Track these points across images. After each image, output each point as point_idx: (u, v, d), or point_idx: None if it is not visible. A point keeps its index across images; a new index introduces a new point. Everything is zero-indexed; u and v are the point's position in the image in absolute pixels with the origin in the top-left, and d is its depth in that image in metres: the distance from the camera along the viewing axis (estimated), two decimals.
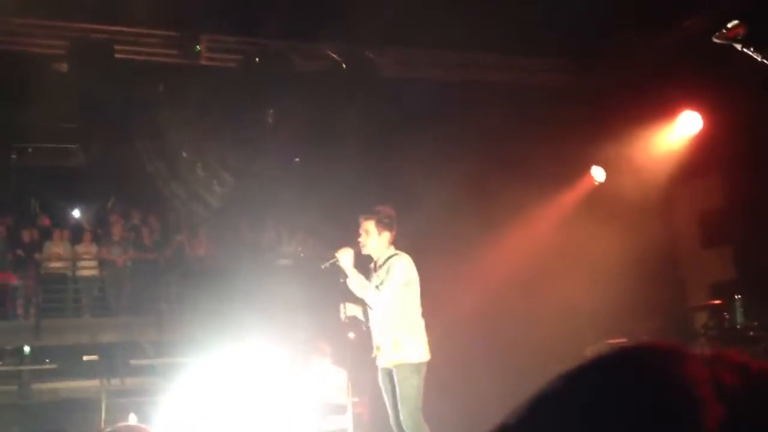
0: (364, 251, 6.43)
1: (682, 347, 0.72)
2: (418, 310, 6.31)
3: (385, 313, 6.22)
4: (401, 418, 6.12)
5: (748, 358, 0.72)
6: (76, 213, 16.86)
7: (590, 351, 9.23)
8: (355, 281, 6.23)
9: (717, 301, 8.51)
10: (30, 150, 16.20)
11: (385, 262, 6.30)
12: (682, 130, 10.21)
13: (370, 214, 6.40)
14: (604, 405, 0.66)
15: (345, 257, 6.23)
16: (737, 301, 7.94)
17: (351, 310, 6.44)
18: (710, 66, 8.23)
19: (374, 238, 6.34)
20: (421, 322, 6.30)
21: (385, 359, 6.26)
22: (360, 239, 6.42)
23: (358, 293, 6.28)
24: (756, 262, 9.22)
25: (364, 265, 6.54)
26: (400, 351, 6.16)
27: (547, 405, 0.70)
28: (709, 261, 10.86)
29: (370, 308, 6.33)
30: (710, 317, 8.63)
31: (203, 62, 11.45)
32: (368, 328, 6.43)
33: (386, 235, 6.35)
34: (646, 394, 0.66)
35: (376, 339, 6.31)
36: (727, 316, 7.98)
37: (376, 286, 6.20)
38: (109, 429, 2.31)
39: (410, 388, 6.10)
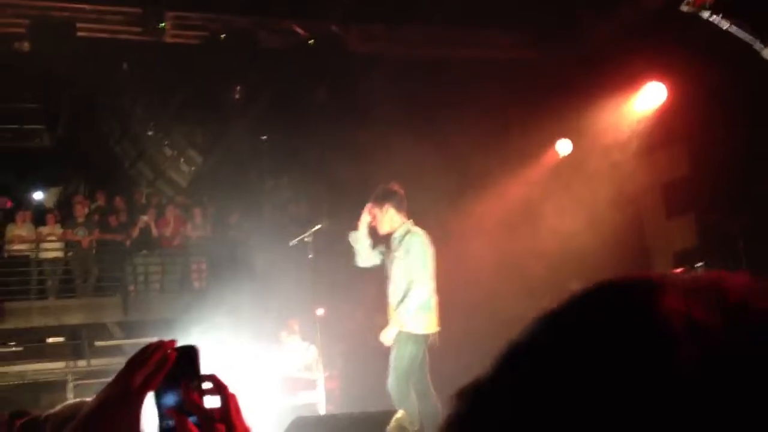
0: (381, 232, 6.44)
1: (662, 276, 0.67)
2: (431, 284, 6.29)
3: (397, 286, 6.26)
4: (390, 383, 6.13)
5: (733, 281, 0.66)
6: (39, 194, 16.61)
7: None
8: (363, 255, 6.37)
9: (681, 270, 8.65)
10: None
11: (398, 236, 6.30)
12: (646, 101, 10.32)
13: (374, 196, 6.43)
14: (569, 352, 0.63)
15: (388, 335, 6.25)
16: (700, 269, 8.10)
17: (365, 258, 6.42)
18: (674, 36, 8.30)
19: (379, 217, 6.37)
20: (432, 294, 6.30)
21: (390, 332, 6.27)
22: (373, 224, 6.43)
23: (368, 264, 6.39)
24: (718, 231, 9.38)
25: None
26: (405, 318, 6.17)
27: (513, 359, 0.67)
28: (673, 230, 11.05)
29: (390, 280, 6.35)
30: None
31: (168, 40, 11.29)
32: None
33: (390, 209, 6.33)
34: (614, 335, 0.62)
35: (391, 308, 6.32)
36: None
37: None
38: (58, 407, 2.29)
39: (403, 355, 6.11)
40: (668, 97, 10.02)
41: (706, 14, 4.67)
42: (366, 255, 6.46)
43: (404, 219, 6.37)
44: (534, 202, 10.69)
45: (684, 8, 4.72)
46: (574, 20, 11.02)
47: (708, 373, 0.58)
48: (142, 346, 1.27)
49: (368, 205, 6.39)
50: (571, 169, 10.89)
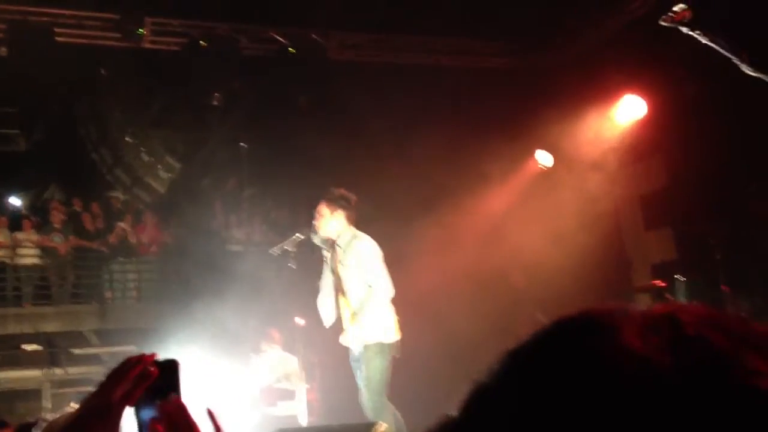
0: (321, 233, 6.37)
1: (621, 313, 0.68)
2: (386, 290, 6.24)
3: (353, 293, 6.18)
4: (364, 398, 6.07)
5: (690, 318, 0.66)
6: (15, 200, 16.42)
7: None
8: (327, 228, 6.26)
9: (660, 282, 8.71)
10: None
11: (343, 243, 6.25)
12: (624, 113, 10.41)
13: (323, 197, 6.37)
14: (528, 395, 0.64)
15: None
16: (679, 282, 8.15)
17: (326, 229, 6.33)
18: (653, 49, 8.37)
19: (327, 218, 6.29)
20: (388, 302, 6.25)
21: (353, 339, 6.20)
22: (314, 222, 6.38)
23: (329, 235, 6.29)
24: (696, 242, 9.45)
25: (318, 248, 6.51)
26: (366, 331, 6.09)
27: (477, 405, 0.69)
28: (651, 242, 11.13)
29: (339, 285, 6.28)
30: (653, 298, 8.81)
31: (147, 45, 11.24)
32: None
33: (340, 214, 6.28)
34: (570, 378, 0.63)
35: (346, 319, 6.25)
36: (669, 297, 8.18)
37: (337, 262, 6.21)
38: (50, 415, 2.28)
39: (374, 369, 6.03)
40: (647, 109, 10.11)
41: (684, 29, 4.71)
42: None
43: (350, 226, 6.36)
44: (512, 213, 10.72)
45: (663, 22, 4.77)
46: (554, 31, 11.10)
47: (656, 415, 0.59)
48: (119, 354, 1.28)
49: (321, 205, 6.34)
50: (549, 180, 10.94)
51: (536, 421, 0.62)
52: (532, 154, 11.29)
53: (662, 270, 9.83)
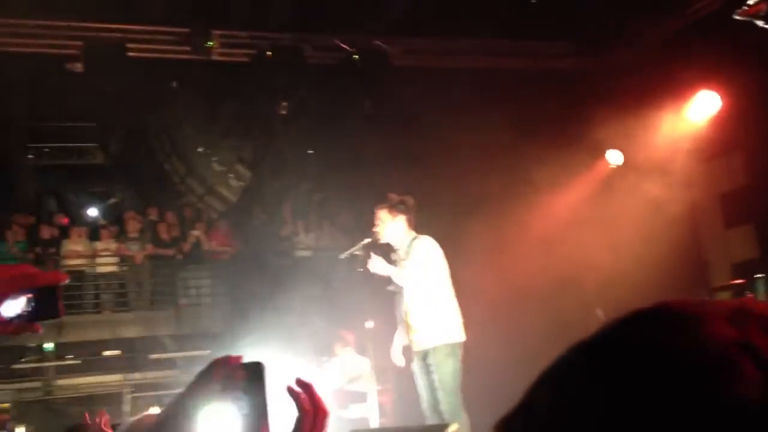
0: (382, 239, 6.43)
1: (698, 304, 0.65)
2: (450, 290, 6.26)
3: (417, 295, 6.20)
4: (439, 401, 6.08)
5: None
6: (93, 211, 16.97)
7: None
8: (377, 264, 6.20)
9: (740, 281, 8.46)
10: (47, 149, 16.30)
11: (404, 246, 6.30)
12: (700, 109, 10.15)
13: (381, 202, 6.42)
14: (611, 386, 0.60)
15: (374, 263, 6.20)
16: (760, 280, 7.91)
17: (376, 265, 6.22)
18: (727, 43, 8.16)
19: (388, 225, 6.34)
20: (454, 303, 6.26)
21: (419, 341, 6.23)
22: (375, 229, 6.43)
23: (380, 272, 6.26)
24: None
25: (387, 253, 6.57)
26: (435, 333, 6.10)
27: (549, 393, 0.65)
28: (731, 241, 10.78)
29: (399, 289, 6.31)
30: (733, 297, 8.59)
31: (215, 57, 11.50)
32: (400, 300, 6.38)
33: (401, 219, 6.32)
34: (666, 368, 0.59)
35: (410, 320, 6.27)
36: (750, 296, 7.96)
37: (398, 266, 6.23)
38: (134, 418, 2.35)
39: (447, 372, 6.04)
40: (723, 105, 9.84)
41: (760, 22, 4.62)
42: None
43: (410, 230, 6.36)
44: (585, 214, 10.56)
45: (738, 16, 4.68)
46: (623, 28, 10.92)
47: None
48: (194, 358, 1.31)
49: (381, 210, 6.36)
50: (623, 179, 10.74)
51: (626, 417, 0.58)
52: (601, 155, 11.12)
53: (743, 269, 9.52)
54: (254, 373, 1.28)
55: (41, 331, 1.34)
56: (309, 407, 1.28)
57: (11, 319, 1.32)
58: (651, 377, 0.59)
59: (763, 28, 4.64)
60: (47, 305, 1.35)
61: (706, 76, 9.71)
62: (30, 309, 1.33)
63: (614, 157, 11.06)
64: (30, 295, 1.34)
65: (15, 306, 1.33)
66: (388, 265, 6.23)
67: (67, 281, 1.35)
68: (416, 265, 6.16)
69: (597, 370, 0.63)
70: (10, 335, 1.33)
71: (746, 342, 0.59)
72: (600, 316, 9.29)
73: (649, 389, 0.58)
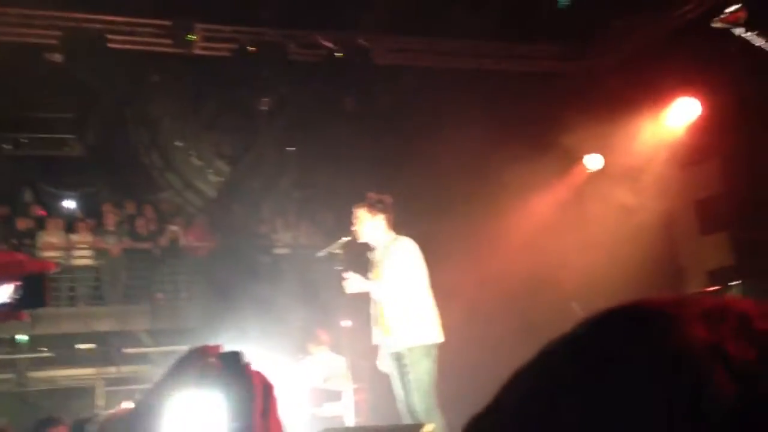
0: (360, 239, 6.41)
1: (678, 303, 0.62)
2: (427, 291, 6.26)
3: (394, 296, 6.19)
4: (414, 401, 6.08)
5: (755, 310, 0.61)
6: (71, 203, 16.82)
7: None
8: (353, 283, 6.19)
9: (714, 288, 8.53)
10: (24, 140, 16.14)
11: (384, 247, 6.29)
12: (679, 115, 10.22)
13: (360, 201, 6.40)
14: (584, 386, 0.59)
15: (351, 284, 6.19)
16: (735, 288, 7.96)
17: (353, 285, 6.25)
18: (707, 51, 8.23)
19: (367, 224, 6.32)
20: (431, 304, 6.26)
21: (395, 341, 6.22)
22: (353, 228, 6.41)
23: (357, 290, 6.25)
24: (753, 249, 9.24)
25: (365, 251, 6.55)
26: (411, 333, 6.10)
27: (521, 391, 0.64)
28: (707, 248, 10.87)
29: (372, 294, 6.30)
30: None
31: (197, 51, 11.42)
32: (376, 308, 6.36)
33: (380, 218, 6.30)
34: (637, 370, 0.57)
35: (386, 321, 6.26)
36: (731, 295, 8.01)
37: (377, 278, 6.21)
38: (109, 411, 2.31)
39: (422, 372, 6.04)
40: (702, 111, 9.91)
41: (738, 30, 4.65)
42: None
43: (390, 229, 6.36)
44: (562, 217, 10.63)
45: (716, 24, 4.71)
46: (605, 33, 10.99)
47: (749, 409, 0.54)
48: (170, 353, 1.27)
49: (360, 209, 6.35)
50: (600, 183, 10.80)
51: (590, 423, 0.57)
52: (579, 159, 11.18)
53: (718, 276, 9.61)
54: (232, 362, 1.25)
55: (26, 318, 1.29)
56: (259, 383, 1.25)
57: None
58: (618, 383, 0.57)
59: (739, 36, 4.66)
60: (34, 294, 1.31)
61: (685, 82, 9.79)
62: (17, 297, 1.30)
63: (592, 162, 11.12)
64: (18, 283, 1.30)
65: (1, 294, 1.29)
66: (365, 281, 6.21)
67: (54, 270, 1.30)
68: (394, 268, 6.15)
69: (564, 372, 0.61)
70: None
71: (718, 346, 0.57)
72: (576, 309, 9.33)
73: (615, 395, 0.57)
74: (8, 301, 1.26)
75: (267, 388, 1.22)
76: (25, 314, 1.57)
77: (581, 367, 0.60)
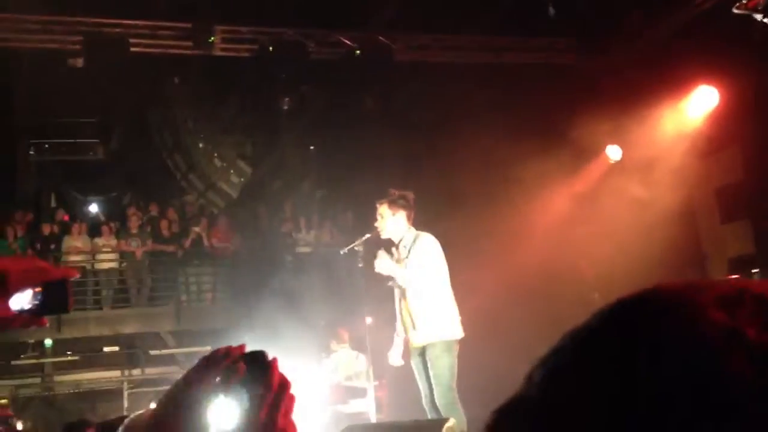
0: (383, 235, 6.41)
1: (694, 287, 0.62)
2: (448, 287, 6.26)
3: (417, 292, 6.20)
4: (435, 396, 6.09)
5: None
6: (94, 207, 16.99)
7: None
8: (383, 263, 6.18)
9: (736, 276, 8.47)
10: (47, 146, 16.32)
11: (407, 243, 6.29)
12: (698, 105, 10.15)
13: (382, 197, 6.40)
14: (607, 371, 0.59)
15: (381, 263, 6.18)
16: (756, 276, 7.91)
17: (382, 264, 6.18)
18: (725, 39, 8.15)
19: (389, 220, 6.32)
20: (452, 300, 6.27)
21: (417, 337, 6.23)
22: (376, 224, 6.42)
23: (386, 272, 6.24)
24: None
25: (387, 249, 6.54)
26: (432, 329, 6.12)
27: (547, 378, 0.64)
28: (728, 236, 10.81)
29: (400, 287, 6.30)
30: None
31: (218, 53, 11.47)
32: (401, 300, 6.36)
33: (401, 215, 6.31)
34: (657, 355, 0.57)
35: (408, 317, 6.27)
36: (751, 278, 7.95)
37: (399, 263, 6.21)
38: (136, 413, 2.28)
39: (443, 367, 6.04)
40: (721, 100, 9.83)
41: (759, 16, 4.59)
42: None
43: (411, 226, 6.36)
44: (584, 209, 10.57)
45: (736, 10, 4.65)
46: (622, 24, 10.91)
47: (765, 393, 0.54)
48: (195, 354, 1.26)
49: (382, 206, 6.35)
50: (621, 174, 10.74)
51: (613, 410, 0.57)
52: (601, 150, 11.12)
53: (739, 264, 9.56)
54: (257, 364, 1.24)
55: (47, 324, 1.31)
56: (277, 381, 1.23)
57: (19, 312, 1.28)
58: (638, 370, 0.57)
59: (761, 23, 4.60)
60: (56, 299, 1.32)
61: (705, 71, 9.71)
62: (37, 302, 1.30)
63: (614, 153, 11.06)
64: (38, 289, 1.30)
65: (22, 299, 1.29)
66: (395, 264, 6.21)
67: (77, 276, 1.32)
68: (418, 264, 6.15)
69: (586, 361, 0.62)
70: (17, 328, 1.29)
71: (736, 330, 0.57)
72: (597, 300, 9.27)
73: (635, 383, 0.57)
74: (30, 306, 1.28)
75: (283, 387, 1.22)
76: (47, 320, 1.59)
77: (601, 355, 0.61)
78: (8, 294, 1.25)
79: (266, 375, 1.20)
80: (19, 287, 1.26)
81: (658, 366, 0.57)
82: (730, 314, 0.58)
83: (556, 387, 0.62)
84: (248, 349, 1.24)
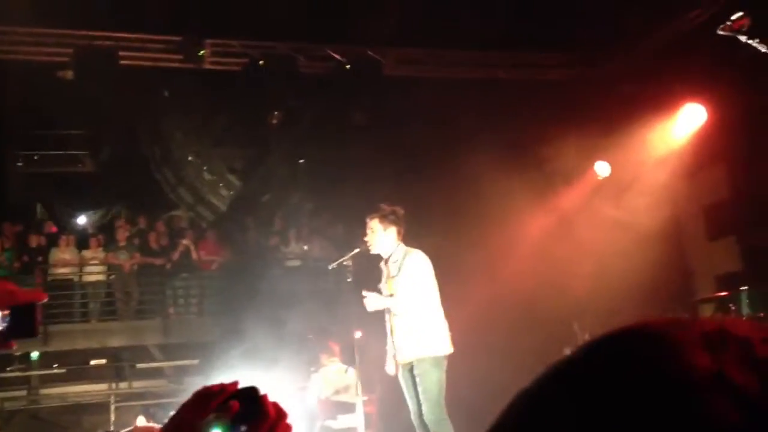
0: (372, 250, 6.42)
1: (678, 327, 0.62)
2: (438, 303, 6.28)
3: (405, 309, 6.21)
4: (423, 412, 6.09)
5: (756, 334, 0.60)
6: (82, 219, 16.93)
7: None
8: (373, 301, 6.20)
9: (723, 293, 8.51)
10: (36, 157, 16.27)
11: (397, 259, 6.30)
12: (686, 122, 10.24)
13: (373, 212, 6.41)
14: (587, 413, 0.58)
15: (370, 302, 6.21)
16: (743, 293, 7.95)
17: (372, 303, 6.23)
18: (713, 58, 8.25)
19: (379, 235, 6.33)
20: (441, 316, 6.28)
21: (405, 353, 6.23)
22: (366, 238, 6.43)
23: (380, 308, 6.26)
24: (761, 253, 9.23)
25: (375, 263, 6.56)
26: (421, 344, 6.12)
27: (524, 417, 0.63)
28: (715, 253, 10.88)
29: (390, 309, 6.31)
30: (716, 309, 8.63)
31: (208, 66, 11.50)
32: (390, 320, 6.37)
33: (392, 231, 6.32)
34: (638, 395, 0.57)
35: (397, 332, 6.28)
36: (733, 308, 7.99)
37: (391, 291, 6.22)
38: (126, 430, 2.29)
39: (431, 382, 6.03)
40: (708, 118, 9.93)
41: (743, 38, 4.65)
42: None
43: (401, 242, 6.38)
44: (572, 224, 10.62)
45: (721, 32, 4.71)
46: (612, 42, 11.01)
47: None
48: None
49: (372, 220, 6.37)
50: (609, 190, 10.80)
51: None
52: (590, 165, 11.18)
53: (726, 281, 9.61)
54: (249, 400, 1.25)
55: (15, 347, 1.31)
56: (274, 413, 1.25)
57: None
58: (622, 410, 0.57)
59: (745, 44, 4.67)
60: (23, 323, 1.32)
61: (692, 89, 9.80)
62: (6, 325, 1.31)
63: (602, 169, 11.13)
64: (5, 312, 1.31)
65: None
66: (382, 298, 6.23)
67: (45, 300, 1.33)
68: (409, 281, 6.16)
69: (563, 399, 0.61)
70: None
71: (720, 373, 0.56)
72: (576, 330, 9.31)
73: (619, 423, 0.56)
74: None
75: (279, 417, 1.23)
76: (14, 343, 1.60)
77: (580, 393, 0.60)
78: None
79: (260, 410, 1.22)
80: None
81: (643, 407, 0.56)
82: (714, 356, 0.58)
83: (538, 422, 0.61)
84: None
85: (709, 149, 10.06)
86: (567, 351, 0.69)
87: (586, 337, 9.55)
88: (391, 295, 6.21)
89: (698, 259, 11.23)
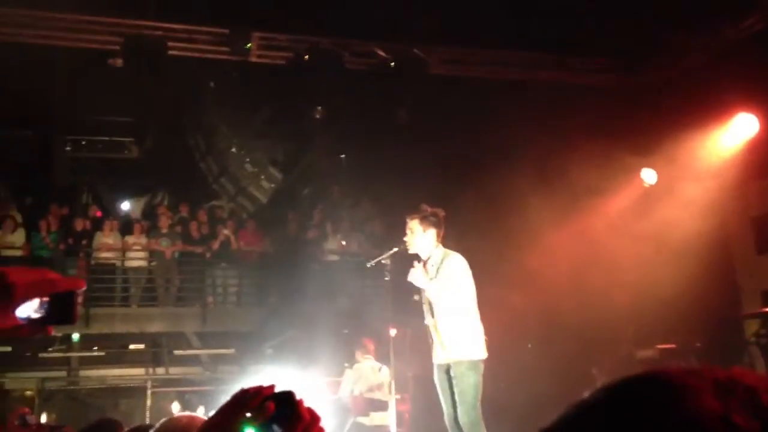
0: (411, 250, 6.42)
1: (693, 375, 0.68)
2: (475, 308, 6.27)
3: (444, 310, 6.21)
4: (458, 414, 6.09)
5: (762, 384, 0.67)
6: (126, 205, 17.18)
7: (640, 355, 9.15)
8: (416, 275, 6.20)
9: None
10: (83, 142, 16.55)
11: (435, 261, 6.29)
12: (737, 132, 10.02)
13: (414, 212, 6.41)
14: None
15: (413, 274, 6.20)
16: None
17: (414, 276, 6.16)
18: (766, 66, 8.05)
19: (419, 236, 6.33)
20: (478, 319, 6.28)
21: (442, 355, 6.24)
22: (405, 238, 6.43)
23: (417, 283, 6.25)
24: None
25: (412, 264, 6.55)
26: (459, 347, 6.13)
27: None
28: (763, 267, 10.60)
29: (429, 303, 6.31)
30: (762, 325, 8.45)
31: (254, 59, 11.56)
32: (427, 317, 6.38)
33: (432, 233, 6.32)
34: None
35: (435, 334, 6.29)
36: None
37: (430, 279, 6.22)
38: (165, 419, 2.32)
39: (468, 385, 6.04)
40: (760, 128, 9.70)
41: None
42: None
43: (439, 243, 6.36)
44: (616, 233, 10.44)
45: None
46: (662, 48, 10.81)
47: None
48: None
49: (413, 221, 6.36)
50: (656, 199, 10.60)
51: None
52: (636, 173, 11.00)
53: None
54: (285, 403, 1.27)
55: (53, 333, 1.35)
56: (308, 417, 1.29)
57: (25, 322, 1.32)
58: None
59: None
60: (62, 309, 1.35)
61: (745, 98, 9.58)
62: (43, 312, 1.34)
63: (648, 177, 10.95)
64: (45, 299, 1.34)
65: (28, 308, 1.33)
66: (425, 278, 6.22)
67: (84, 288, 1.37)
68: (447, 283, 6.15)
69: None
70: (22, 338, 1.33)
71: (727, 417, 0.62)
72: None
73: None
74: (36, 316, 1.31)
75: (313, 420, 1.27)
76: (52, 329, 1.64)
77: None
78: (15, 304, 1.30)
79: (294, 412, 1.26)
80: (26, 298, 1.31)
81: None
82: (722, 402, 0.64)
83: None
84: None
85: (760, 160, 9.83)
86: (585, 393, 0.73)
87: (626, 349, 9.44)
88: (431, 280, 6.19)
89: (746, 272, 10.90)
